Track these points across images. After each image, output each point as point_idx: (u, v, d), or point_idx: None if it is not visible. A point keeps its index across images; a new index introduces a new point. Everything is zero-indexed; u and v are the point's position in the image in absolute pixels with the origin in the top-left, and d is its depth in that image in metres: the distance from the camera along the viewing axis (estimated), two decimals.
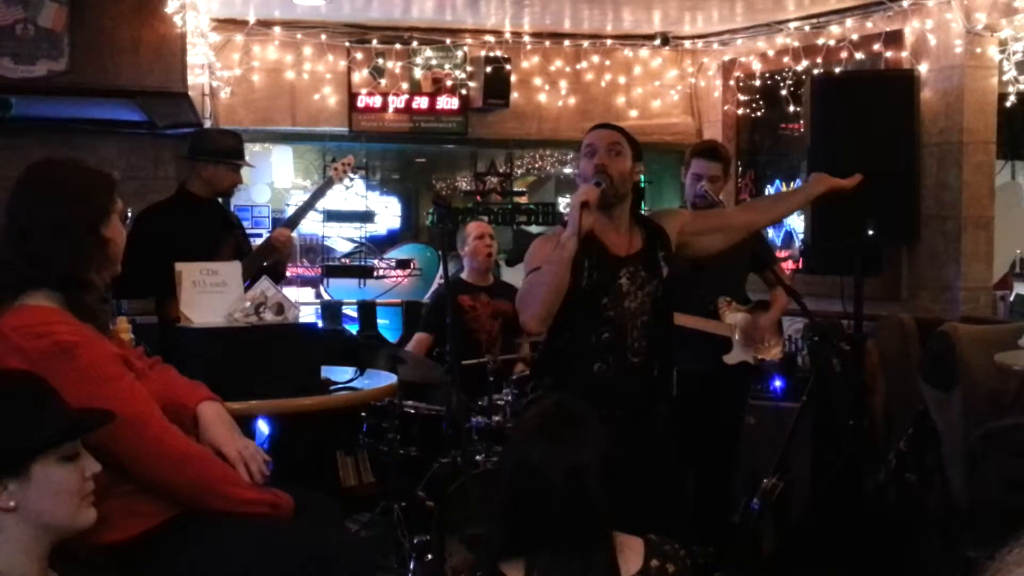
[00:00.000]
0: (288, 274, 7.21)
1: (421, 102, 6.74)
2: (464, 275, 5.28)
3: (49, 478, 1.97)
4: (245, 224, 6.42)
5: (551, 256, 3.05)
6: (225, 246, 4.24)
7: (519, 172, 8.43)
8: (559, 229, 3.22)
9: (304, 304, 6.55)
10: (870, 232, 4.89)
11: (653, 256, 3.29)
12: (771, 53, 6.48)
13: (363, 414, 4.76)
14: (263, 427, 4.17)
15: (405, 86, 6.73)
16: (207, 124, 6.19)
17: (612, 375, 3.15)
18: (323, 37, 6.48)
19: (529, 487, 2.03)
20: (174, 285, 4.10)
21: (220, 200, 4.79)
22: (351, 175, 4.95)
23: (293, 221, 4.78)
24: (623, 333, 3.19)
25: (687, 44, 7.03)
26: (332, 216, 7.40)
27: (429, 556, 4.12)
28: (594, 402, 2.36)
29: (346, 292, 7.08)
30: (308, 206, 4.84)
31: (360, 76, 6.64)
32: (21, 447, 1.95)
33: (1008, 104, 5.49)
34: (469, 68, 6.78)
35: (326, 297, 7.14)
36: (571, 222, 3.01)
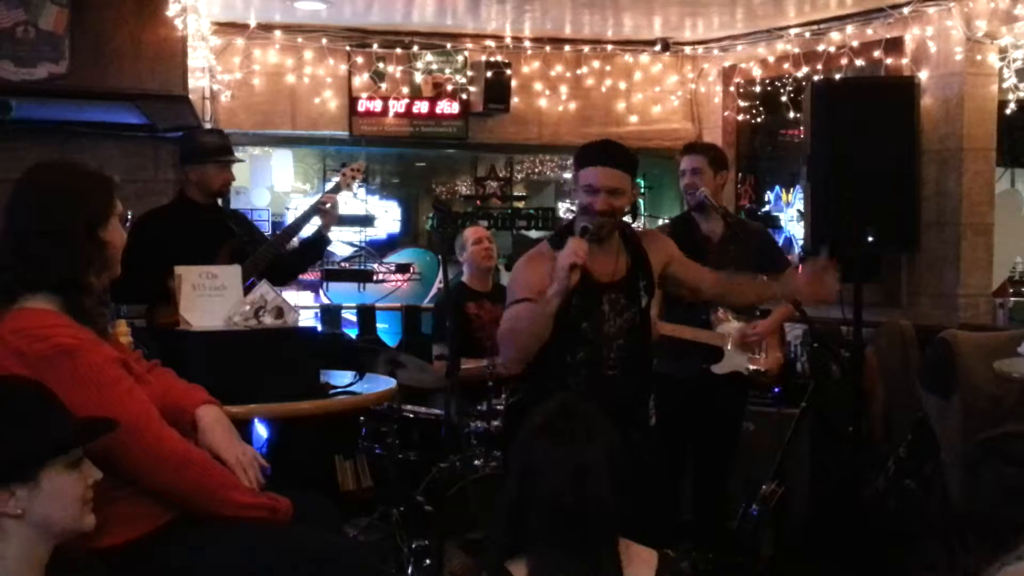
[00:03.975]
0: None
1: (421, 106, 6.74)
2: (466, 280, 5.28)
3: (56, 484, 1.97)
4: None
5: (535, 308, 3.05)
6: (223, 252, 4.22)
7: (519, 177, 8.44)
8: (546, 248, 3.24)
9: (303, 308, 6.56)
10: (870, 239, 4.90)
11: (635, 284, 3.34)
12: (771, 59, 6.48)
13: (362, 418, 4.76)
14: (262, 431, 4.17)
15: (405, 90, 6.73)
16: (206, 127, 6.19)
17: (586, 387, 3.21)
18: (324, 41, 6.48)
19: (534, 485, 2.03)
20: (167, 291, 4.11)
21: (222, 204, 4.78)
22: (359, 183, 4.86)
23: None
24: (599, 354, 3.26)
25: (687, 50, 7.04)
26: None
27: (427, 561, 4.12)
28: None
29: (345, 296, 7.09)
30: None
31: (360, 80, 6.64)
32: (31, 453, 1.95)
33: (1008, 111, 5.50)
34: (470, 73, 6.79)
35: (325, 301, 7.14)
36: (559, 282, 3.02)
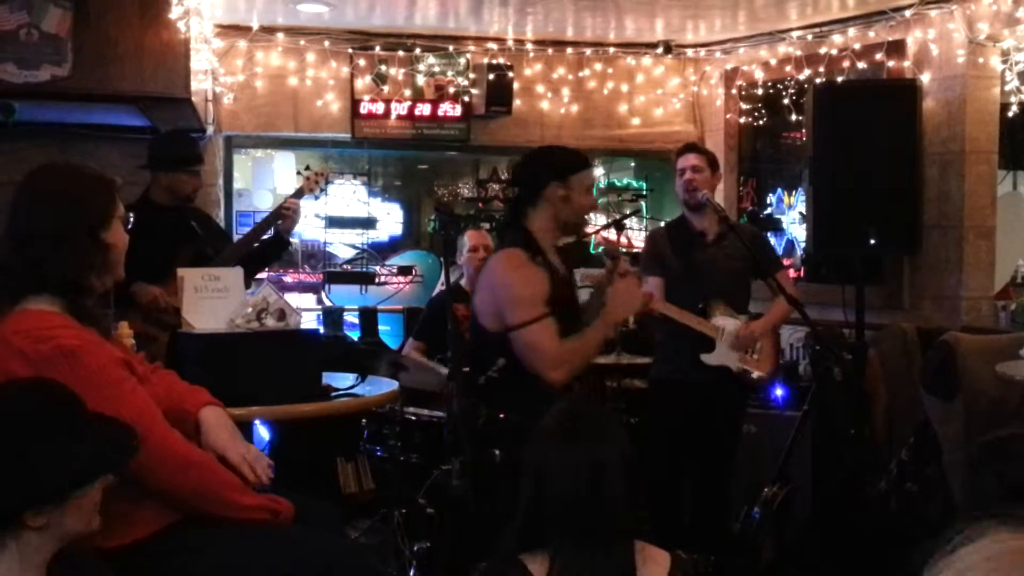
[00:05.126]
0: (289, 280, 7.27)
1: (424, 109, 6.74)
2: (464, 283, 5.29)
3: (80, 499, 1.99)
4: (246, 229, 6.42)
5: (600, 335, 3.26)
6: (183, 256, 4.25)
7: None
8: (524, 255, 3.27)
9: (305, 310, 6.56)
10: (872, 241, 4.90)
11: (574, 291, 3.59)
12: (773, 62, 6.48)
13: (364, 420, 4.76)
14: (263, 433, 4.17)
15: (408, 93, 6.73)
16: (210, 130, 6.20)
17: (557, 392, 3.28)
18: (326, 43, 6.49)
19: (549, 486, 2.04)
20: (127, 295, 4.12)
21: (193, 207, 4.85)
22: (323, 187, 4.99)
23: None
24: None
25: (689, 52, 7.04)
26: (334, 222, 7.41)
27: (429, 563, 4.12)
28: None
29: (347, 298, 7.08)
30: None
31: (363, 83, 6.65)
32: (71, 479, 1.97)
33: (1010, 114, 5.49)
34: (472, 75, 6.79)
35: (327, 303, 7.13)
36: (633, 311, 3.41)
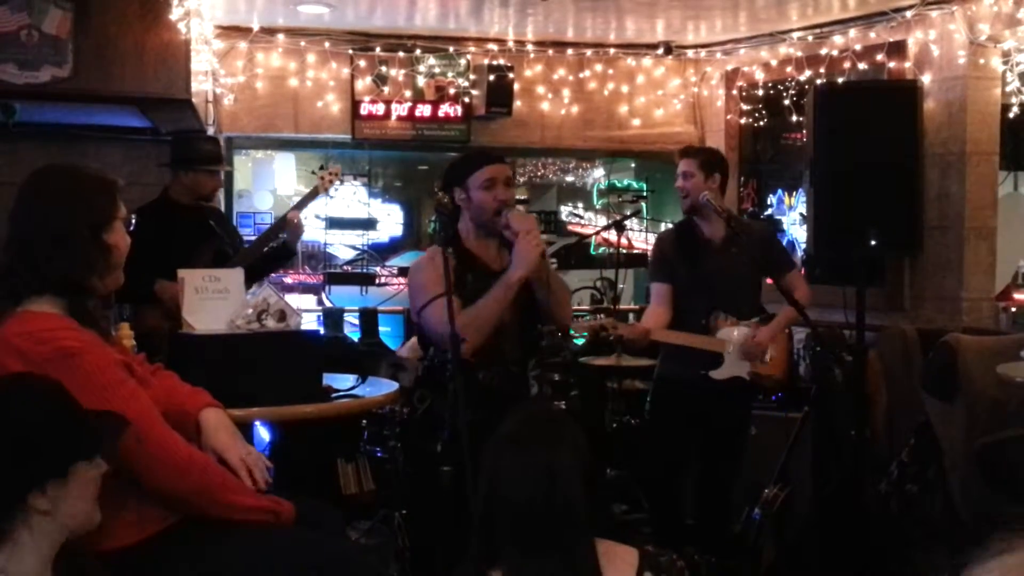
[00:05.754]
0: (290, 280, 7.27)
1: (424, 110, 6.75)
2: None
3: (80, 480, 2.01)
4: (247, 231, 6.44)
5: (497, 295, 3.30)
6: (202, 254, 4.31)
7: (521, 180, 8.43)
8: (436, 250, 3.35)
9: (306, 311, 6.56)
10: (872, 242, 4.89)
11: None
12: (774, 63, 6.48)
13: (364, 421, 4.76)
14: (264, 434, 4.17)
15: (408, 94, 6.73)
16: (210, 131, 6.20)
17: (496, 383, 3.33)
18: (327, 45, 6.49)
19: (503, 492, 2.02)
20: (150, 293, 4.17)
21: (209, 206, 4.92)
22: (336, 186, 5.06)
23: (299, 207, 4.94)
24: (499, 342, 3.37)
25: (690, 53, 7.04)
26: (334, 223, 7.41)
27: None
28: (481, 409, 2.74)
29: (348, 299, 7.08)
30: (300, 207, 4.95)
31: (363, 84, 6.65)
32: (70, 450, 1.99)
33: (1011, 115, 5.49)
34: (472, 76, 6.79)
35: (328, 304, 7.14)
36: (529, 264, 3.29)
